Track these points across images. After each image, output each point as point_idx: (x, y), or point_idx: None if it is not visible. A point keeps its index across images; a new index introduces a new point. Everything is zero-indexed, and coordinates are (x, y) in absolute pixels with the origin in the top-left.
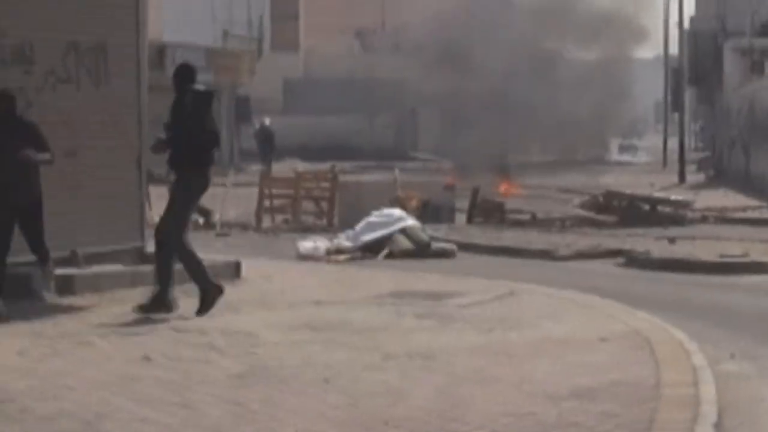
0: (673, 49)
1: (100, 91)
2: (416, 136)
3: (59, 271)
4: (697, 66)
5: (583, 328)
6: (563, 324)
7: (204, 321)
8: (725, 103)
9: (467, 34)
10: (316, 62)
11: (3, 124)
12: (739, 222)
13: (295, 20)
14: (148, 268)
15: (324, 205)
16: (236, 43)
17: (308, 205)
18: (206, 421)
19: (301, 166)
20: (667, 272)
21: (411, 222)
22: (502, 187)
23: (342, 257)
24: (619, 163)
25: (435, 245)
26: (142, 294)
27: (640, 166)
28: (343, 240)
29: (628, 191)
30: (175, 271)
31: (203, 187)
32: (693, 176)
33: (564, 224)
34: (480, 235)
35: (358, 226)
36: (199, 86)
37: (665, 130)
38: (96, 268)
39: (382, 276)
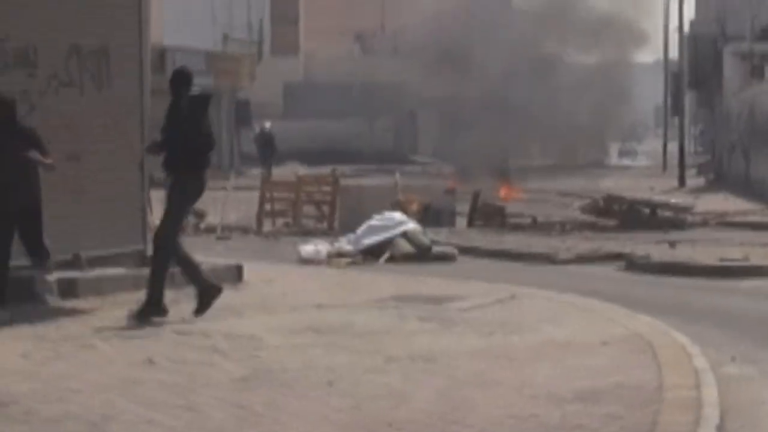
0: (673, 53)
1: (103, 95)
2: (416, 139)
3: (62, 274)
4: (697, 70)
5: (585, 332)
6: (564, 327)
7: (206, 324)
8: (725, 108)
9: (467, 36)
10: (316, 66)
11: (3, 128)
12: (739, 226)
13: (295, 24)
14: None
15: (325, 208)
16: (236, 46)
17: (309, 209)
18: (210, 423)
19: (302, 169)
20: (667, 276)
21: (412, 226)
22: (503, 191)
23: (343, 261)
24: (619, 167)
25: (436, 249)
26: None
27: (639, 170)
28: (344, 244)
29: (628, 195)
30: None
31: (199, 190)
32: (693, 180)
33: (564, 228)
34: (481, 238)
35: (359, 230)
36: (195, 90)
37: (665, 134)
38: (98, 272)
39: (384, 279)
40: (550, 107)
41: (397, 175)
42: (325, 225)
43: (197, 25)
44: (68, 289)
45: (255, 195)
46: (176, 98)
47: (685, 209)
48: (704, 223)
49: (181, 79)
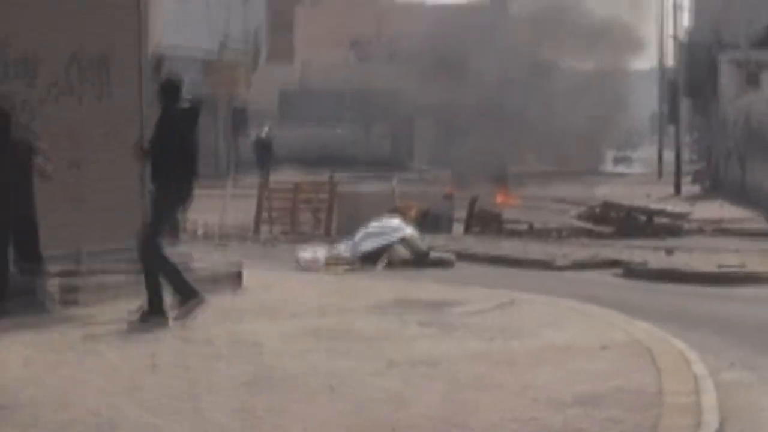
0: (670, 61)
1: (103, 104)
2: (412, 146)
3: (62, 281)
4: (693, 78)
5: (584, 337)
6: (564, 332)
7: (208, 329)
8: (721, 115)
9: (463, 43)
10: (312, 73)
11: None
12: (735, 233)
13: (291, 31)
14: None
15: (322, 215)
16: (233, 54)
17: (306, 216)
18: (214, 428)
19: (299, 176)
20: (664, 283)
21: (410, 232)
22: (500, 197)
23: (341, 267)
24: (614, 174)
25: (433, 255)
26: (144, 304)
27: (635, 177)
28: (342, 250)
29: (625, 202)
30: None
31: (184, 200)
32: (688, 188)
33: (561, 235)
34: (478, 245)
35: (357, 236)
36: (185, 101)
37: (660, 142)
38: (98, 278)
39: (382, 285)
40: (545, 114)
41: (395, 181)
42: (322, 231)
43: (194, 32)
44: (69, 295)
45: (252, 201)
46: (165, 108)
47: (682, 216)
48: (700, 231)
49: (170, 89)
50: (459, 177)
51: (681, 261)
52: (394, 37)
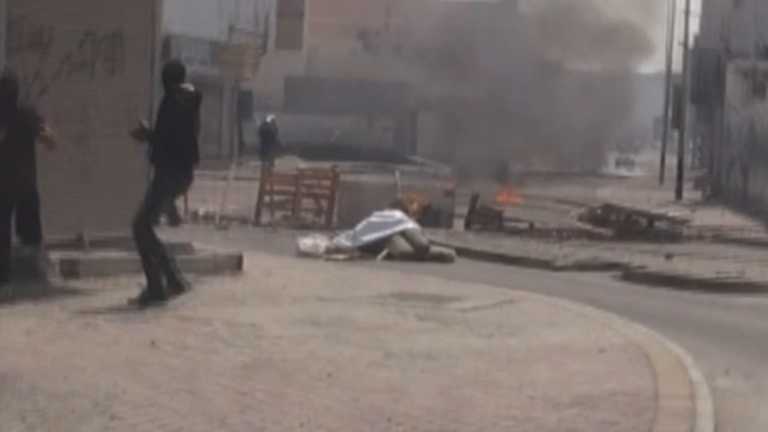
0: (676, 66)
1: (115, 80)
2: (415, 139)
3: (65, 254)
4: (699, 84)
5: (581, 338)
6: (562, 333)
7: (207, 311)
8: (726, 123)
9: (470, 39)
10: (319, 61)
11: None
12: (735, 242)
13: (300, 18)
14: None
15: (324, 203)
16: (242, 38)
17: (308, 203)
18: (213, 408)
19: (301, 163)
20: (663, 287)
21: (411, 225)
22: (503, 195)
23: (341, 256)
24: (616, 177)
25: (434, 249)
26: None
27: (636, 181)
28: (343, 239)
29: (626, 205)
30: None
31: (183, 186)
32: (690, 194)
33: (561, 235)
34: (478, 241)
35: (359, 227)
36: (188, 86)
37: (663, 146)
38: (101, 254)
39: (382, 277)
40: (550, 114)
41: (397, 174)
42: (323, 219)
43: (203, 14)
44: (70, 269)
45: (255, 186)
46: (169, 92)
47: (683, 222)
48: (700, 237)
49: (174, 73)
50: (460, 173)
51: (680, 266)
52: (402, 30)
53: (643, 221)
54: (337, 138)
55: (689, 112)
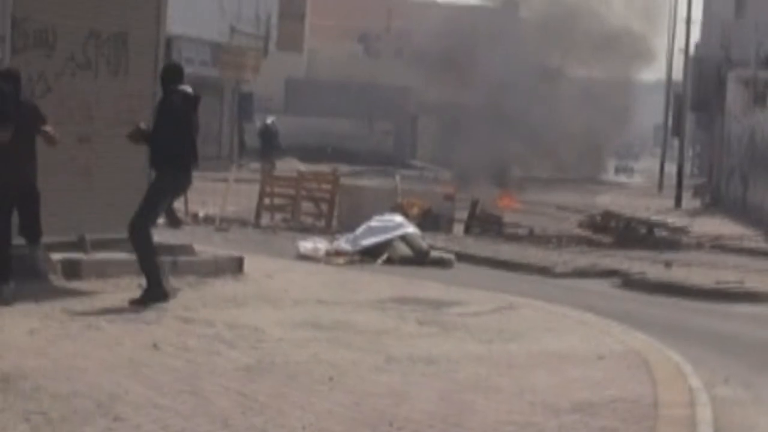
0: (676, 74)
1: (118, 81)
2: (414, 143)
3: (66, 255)
4: (700, 92)
5: (581, 345)
6: (562, 339)
7: (209, 313)
8: (726, 132)
9: (471, 44)
10: (319, 64)
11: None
12: (734, 250)
13: (301, 20)
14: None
15: (324, 206)
16: (243, 39)
17: (308, 206)
18: (215, 410)
19: (301, 166)
20: (662, 295)
21: (411, 229)
22: (504, 200)
23: (341, 260)
24: (615, 184)
25: (434, 254)
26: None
27: (636, 188)
28: (343, 243)
29: (625, 213)
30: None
31: (182, 187)
32: (689, 202)
33: (561, 241)
34: (477, 246)
35: (359, 230)
36: (187, 88)
37: (663, 154)
38: (102, 255)
39: (383, 281)
40: (549, 119)
41: (398, 178)
42: (323, 223)
43: (205, 15)
44: (72, 270)
45: (255, 188)
46: (167, 94)
47: (682, 230)
48: (699, 246)
49: (172, 75)
50: (460, 178)
51: (679, 274)
52: (402, 33)
53: (643, 229)
54: (333, 149)
55: (688, 121)
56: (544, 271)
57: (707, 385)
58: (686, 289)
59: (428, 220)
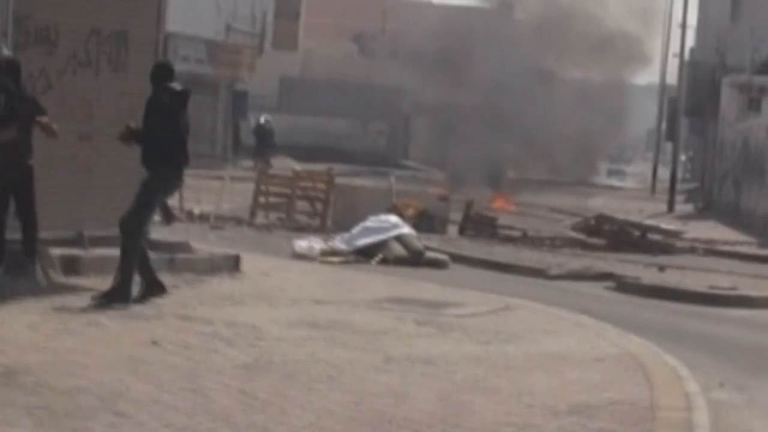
0: (670, 79)
1: (119, 78)
2: (408, 144)
3: (65, 251)
4: (694, 97)
5: (578, 347)
6: (559, 341)
7: (207, 311)
8: (720, 137)
9: (466, 45)
10: (314, 63)
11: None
12: (727, 255)
13: (297, 19)
14: (152, 255)
15: (318, 205)
16: (238, 37)
17: (303, 205)
18: (216, 407)
19: (296, 165)
20: (656, 299)
21: (406, 230)
22: (498, 201)
23: (336, 259)
24: (608, 187)
25: (429, 255)
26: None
27: (628, 192)
28: (338, 242)
29: (620, 216)
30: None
31: (174, 186)
32: (681, 206)
33: (554, 244)
34: (471, 248)
35: (354, 230)
36: (176, 85)
37: (656, 158)
38: (100, 251)
39: (378, 281)
40: (544, 121)
41: (392, 178)
42: (317, 222)
43: (201, 13)
44: (71, 266)
45: (250, 186)
46: (157, 92)
47: (676, 234)
48: (692, 250)
49: (163, 73)
50: (453, 179)
51: (673, 279)
52: (397, 34)
53: (636, 232)
54: (327, 148)
55: (682, 125)
56: (539, 273)
57: (702, 388)
58: (680, 293)
59: (423, 221)
